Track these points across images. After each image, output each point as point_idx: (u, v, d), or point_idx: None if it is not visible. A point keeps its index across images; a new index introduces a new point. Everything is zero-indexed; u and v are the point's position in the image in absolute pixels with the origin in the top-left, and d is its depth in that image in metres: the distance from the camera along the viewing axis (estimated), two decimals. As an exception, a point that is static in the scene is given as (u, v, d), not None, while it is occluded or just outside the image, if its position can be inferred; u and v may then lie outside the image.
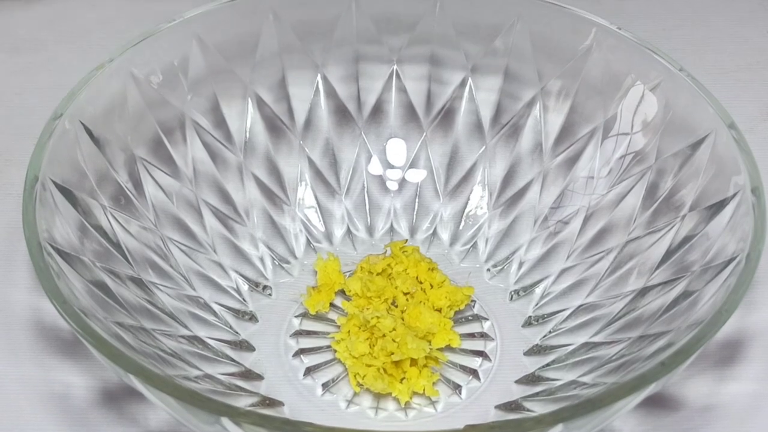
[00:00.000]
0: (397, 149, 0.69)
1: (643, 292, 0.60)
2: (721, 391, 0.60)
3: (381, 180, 0.69)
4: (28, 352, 0.62)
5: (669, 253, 0.60)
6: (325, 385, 0.60)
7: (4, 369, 0.61)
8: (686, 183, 0.60)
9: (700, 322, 0.52)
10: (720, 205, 0.57)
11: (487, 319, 0.63)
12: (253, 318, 0.63)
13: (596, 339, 0.60)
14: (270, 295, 0.65)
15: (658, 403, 0.59)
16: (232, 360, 0.61)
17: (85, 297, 0.54)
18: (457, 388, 0.60)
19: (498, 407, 0.59)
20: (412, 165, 0.69)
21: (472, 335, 0.63)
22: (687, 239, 0.59)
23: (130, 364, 0.49)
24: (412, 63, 0.68)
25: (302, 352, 0.62)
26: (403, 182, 0.69)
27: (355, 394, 0.60)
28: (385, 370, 0.59)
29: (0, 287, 0.64)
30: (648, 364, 0.53)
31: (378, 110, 0.69)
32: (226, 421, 0.47)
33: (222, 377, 0.59)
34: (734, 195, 0.56)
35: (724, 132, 0.59)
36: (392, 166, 0.69)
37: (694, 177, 0.60)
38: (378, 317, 0.60)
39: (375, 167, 0.69)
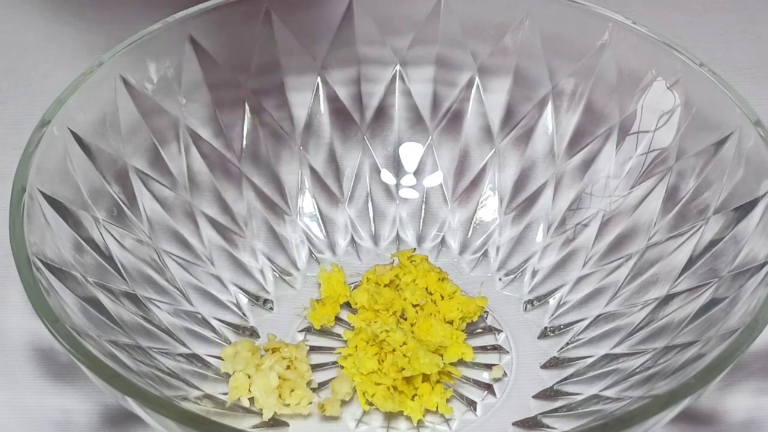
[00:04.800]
0: (402, 154, 0.66)
1: (667, 300, 0.57)
2: (763, 404, 0.57)
3: (386, 187, 0.66)
4: (24, 377, 0.58)
5: (693, 259, 0.57)
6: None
7: None
8: (710, 184, 0.58)
9: (733, 331, 0.49)
10: (749, 207, 0.54)
11: (501, 331, 0.60)
12: (254, 334, 0.60)
13: (618, 350, 0.57)
14: (271, 309, 0.62)
15: (692, 418, 0.56)
16: (234, 379, 0.57)
17: (77, 314, 0.51)
18: (471, 404, 0.57)
19: (516, 424, 0.56)
20: (418, 170, 0.66)
21: (485, 348, 0.60)
22: (713, 243, 0.56)
23: (126, 385, 0.46)
24: (416, 64, 0.65)
25: (307, 368, 0.58)
26: (408, 189, 0.66)
27: (365, 412, 0.56)
28: (395, 388, 0.56)
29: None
30: (678, 377, 0.50)
31: (381, 114, 0.66)
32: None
33: (223, 397, 0.56)
34: (764, 195, 0.53)
35: (750, 130, 0.56)
36: (397, 172, 0.66)
37: (719, 177, 0.57)
38: (387, 331, 0.57)
39: (379, 174, 0.66)
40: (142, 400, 0.46)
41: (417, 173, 0.66)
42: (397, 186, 0.66)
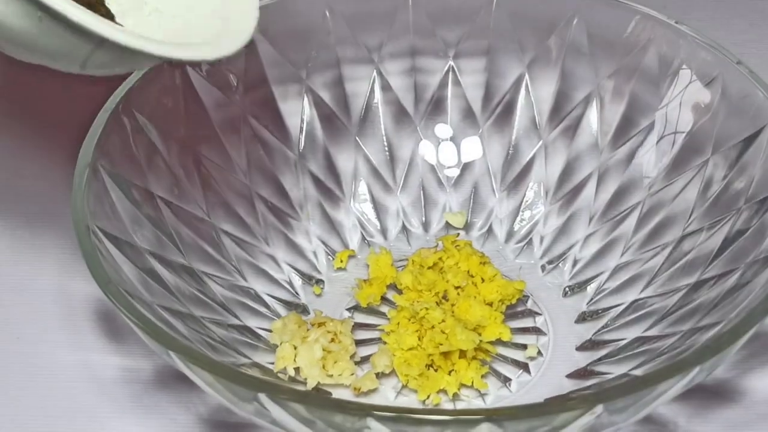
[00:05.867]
0: (454, 145, 0.69)
1: (697, 285, 0.59)
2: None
3: (437, 176, 0.69)
4: (88, 339, 0.62)
5: (724, 246, 0.59)
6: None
7: (63, 356, 0.62)
8: (743, 175, 0.60)
9: (752, 309, 0.51)
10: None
11: (540, 315, 0.63)
12: (305, 311, 0.63)
13: (650, 333, 0.59)
14: (322, 288, 0.64)
15: (717, 394, 0.59)
16: (283, 351, 0.60)
17: (132, 281, 0.54)
18: (507, 381, 0.60)
19: (548, 400, 0.58)
20: (468, 161, 0.69)
21: (524, 330, 0.62)
22: (743, 231, 0.58)
23: (170, 341, 0.50)
24: (468, 58, 0.68)
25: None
26: (459, 179, 0.69)
27: (404, 385, 0.59)
28: (432, 364, 0.59)
29: (63, 278, 0.65)
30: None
31: (434, 106, 0.69)
32: (263, 398, 0.47)
33: (271, 366, 0.59)
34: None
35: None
36: (449, 163, 0.69)
37: (751, 169, 0.59)
38: (427, 309, 0.60)
39: (431, 163, 0.69)
40: (184, 356, 0.49)
41: (468, 164, 0.69)
42: (448, 176, 0.69)
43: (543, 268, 0.65)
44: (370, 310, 0.63)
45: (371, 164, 0.68)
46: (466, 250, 0.64)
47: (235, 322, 0.60)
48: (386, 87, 0.68)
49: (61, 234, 0.66)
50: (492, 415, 0.46)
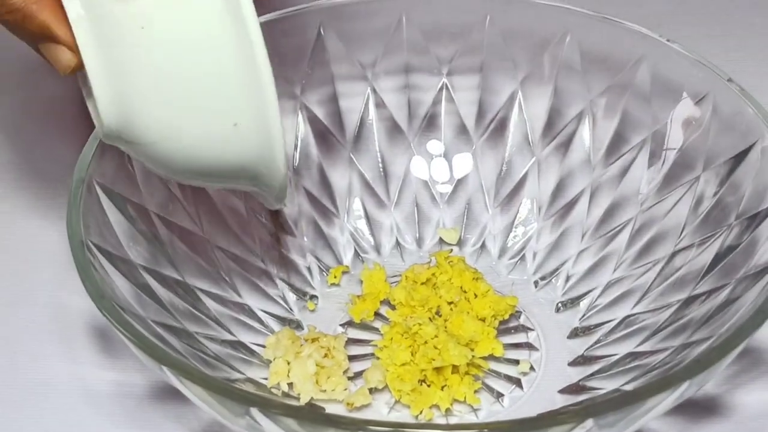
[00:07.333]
0: (447, 162, 0.69)
1: (688, 301, 0.59)
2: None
3: (430, 192, 0.69)
4: (83, 354, 0.62)
5: (715, 262, 0.59)
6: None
7: (58, 371, 0.62)
8: (733, 192, 0.60)
9: (741, 324, 0.51)
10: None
11: (532, 330, 0.63)
12: (298, 326, 0.63)
13: (641, 348, 0.60)
14: (316, 303, 0.65)
15: (707, 409, 0.59)
16: (276, 366, 0.61)
17: (127, 296, 0.55)
18: (499, 396, 0.60)
19: (539, 415, 0.58)
20: (462, 177, 0.69)
21: (517, 345, 0.62)
22: (733, 246, 0.58)
23: (163, 356, 0.50)
24: (462, 75, 0.69)
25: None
26: (452, 195, 0.69)
27: (397, 401, 0.59)
28: (425, 379, 0.59)
29: (58, 293, 0.66)
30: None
31: (428, 123, 0.69)
32: (255, 412, 0.47)
33: (264, 382, 0.59)
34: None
35: (770, 140, 0.58)
36: (442, 179, 0.69)
37: (741, 185, 0.59)
38: (420, 324, 0.60)
39: (424, 179, 0.69)
40: (176, 371, 0.49)
41: (461, 180, 0.69)
42: (441, 192, 0.69)
43: (536, 283, 0.66)
44: (364, 326, 0.64)
45: (365, 180, 0.69)
46: (459, 265, 0.64)
47: (229, 337, 0.61)
48: (380, 104, 0.69)
49: (56, 249, 0.67)
50: (484, 430, 0.47)
